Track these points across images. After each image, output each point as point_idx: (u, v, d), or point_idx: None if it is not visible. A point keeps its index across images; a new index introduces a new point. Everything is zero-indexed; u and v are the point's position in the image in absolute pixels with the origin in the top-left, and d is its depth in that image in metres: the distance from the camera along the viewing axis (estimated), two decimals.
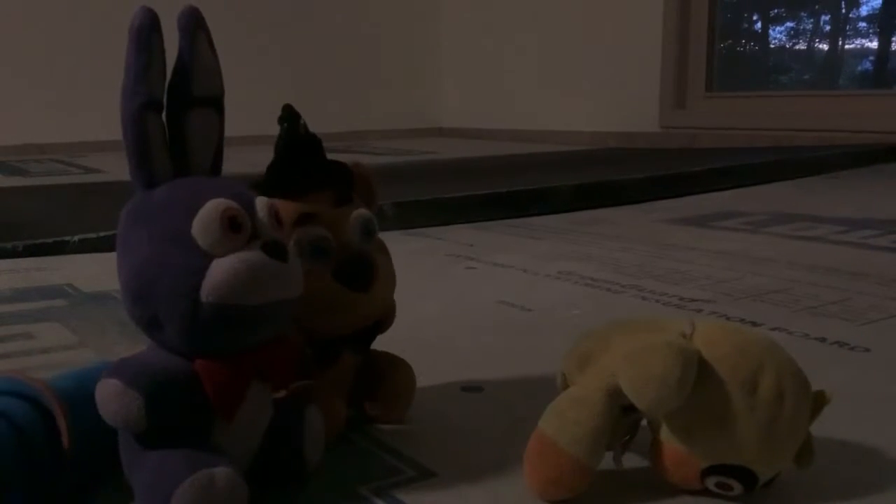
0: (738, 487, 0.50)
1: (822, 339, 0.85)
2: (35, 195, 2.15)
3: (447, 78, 4.27)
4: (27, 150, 3.35)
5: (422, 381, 0.67)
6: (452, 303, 1.06)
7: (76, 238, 1.38)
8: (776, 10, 3.56)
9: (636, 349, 0.50)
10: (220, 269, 0.46)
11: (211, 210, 0.47)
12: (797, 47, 3.54)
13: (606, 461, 0.53)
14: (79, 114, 3.32)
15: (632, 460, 0.55)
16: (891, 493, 0.53)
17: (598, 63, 3.41)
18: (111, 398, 0.46)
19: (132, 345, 0.59)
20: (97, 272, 1.22)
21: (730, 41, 3.52)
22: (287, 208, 0.57)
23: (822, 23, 3.48)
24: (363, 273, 0.59)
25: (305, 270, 0.55)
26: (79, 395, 0.53)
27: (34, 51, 3.37)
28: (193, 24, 0.53)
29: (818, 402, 0.51)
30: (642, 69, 3.25)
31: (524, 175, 2.28)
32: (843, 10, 3.33)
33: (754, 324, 0.91)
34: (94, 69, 2.97)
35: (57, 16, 3.39)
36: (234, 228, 0.47)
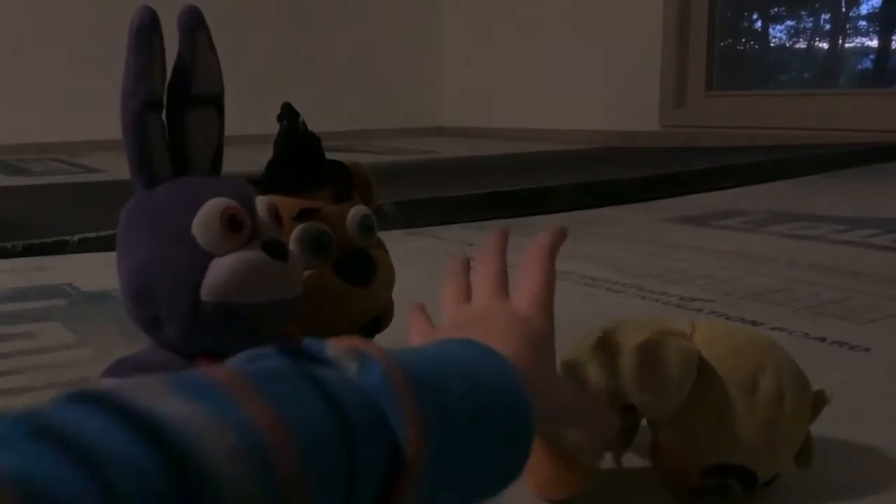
0: (737, 487, 0.50)
1: (822, 339, 0.85)
2: (35, 194, 2.15)
3: (447, 77, 4.27)
4: (27, 149, 3.35)
5: None
6: None
7: (76, 238, 1.38)
8: (776, 9, 3.56)
9: (636, 349, 0.50)
10: (220, 268, 0.46)
11: (211, 209, 0.47)
12: (797, 46, 3.54)
13: (606, 460, 0.53)
14: (79, 113, 3.32)
15: (632, 460, 0.55)
16: (891, 493, 0.53)
17: (598, 62, 3.41)
18: None
19: (132, 344, 0.59)
20: (97, 272, 1.22)
21: (730, 40, 3.52)
22: (287, 204, 0.57)
23: (822, 21, 3.48)
24: (363, 267, 0.59)
25: (306, 265, 0.56)
26: (432, 383, 0.32)
27: (33, 50, 3.36)
28: (193, 24, 0.53)
29: (818, 401, 0.51)
30: (642, 68, 3.25)
31: (524, 174, 2.28)
32: (844, 9, 3.33)
33: (754, 323, 0.91)
34: (95, 68, 2.98)
35: (57, 15, 3.39)
36: (234, 228, 0.47)
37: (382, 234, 0.64)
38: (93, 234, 1.38)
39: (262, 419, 0.24)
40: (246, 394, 0.25)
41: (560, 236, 0.50)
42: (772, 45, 3.61)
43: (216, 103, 0.55)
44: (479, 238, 1.46)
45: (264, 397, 0.25)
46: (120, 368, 0.48)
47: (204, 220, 0.47)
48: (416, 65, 4.27)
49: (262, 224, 0.50)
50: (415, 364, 0.33)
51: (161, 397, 0.23)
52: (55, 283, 1.16)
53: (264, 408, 0.25)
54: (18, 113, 3.33)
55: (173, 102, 0.53)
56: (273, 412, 0.25)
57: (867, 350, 0.82)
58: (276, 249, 0.49)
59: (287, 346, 0.31)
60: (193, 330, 0.47)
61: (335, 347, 0.32)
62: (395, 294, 0.64)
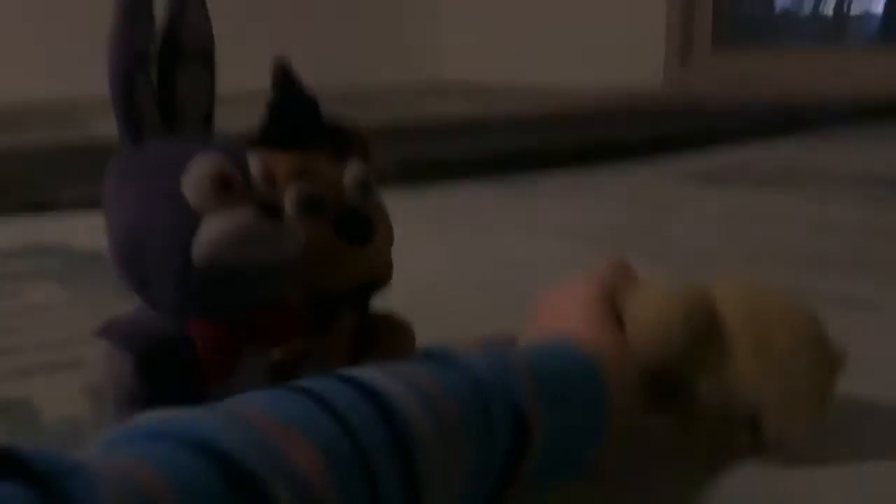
0: (749, 437, 0.50)
1: (830, 297, 0.84)
2: (29, 153, 2.13)
3: (448, 34, 4.22)
4: (21, 107, 3.32)
5: (423, 342, 0.65)
6: (455, 263, 1.05)
7: (70, 195, 1.36)
8: None
9: (644, 300, 0.50)
10: (211, 228, 0.45)
11: (201, 167, 0.46)
12: (803, 11, 3.49)
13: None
14: (76, 70, 3.28)
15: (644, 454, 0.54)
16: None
17: (603, 20, 3.37)
18: (102, 358, 0.45)
19: (125, 304, 0.58)
20: (91, 231, 1.20)
21: None
22: (284, 163, 0.55)
23: None
24: (362, 226, 0.58)
25: (304, 225, 0.54)
26: (555, 383, 0.43)
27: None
28: None
29: (836, 362, 0.50)
30: (647, 27, 3.21)
31: (527, 133, 2.25)
32: None
33: (760, 281, 0.90)
34: (88, 24, 2.94)
35: None
36: (225, 186, 0.46)
37: (384, 194, 0.62)
38: (87, 193, 1.36)
39: (431, 388, 0.37)
40: (425, 378, 0.38)
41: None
42: (778, 2, 3.57)
43: (207, 59, 0.53)
44: (481, 198, 1.44)
45: (434, 377, 0.38)
46: (111, 329, 0.46)
47: (194, 178, 0.45)
48: (417, 22, 4.22)
49: (255, 183, 0.48)
50: (528, 353, 0.44)
51: (378, 376, 0.37)
52: (48, 242, 1.15)
53: (434, 381, 0.38)
54: (11, 70, 3.30)
55: (162, 57, 0.51)
56: (438, 383, 0.38)
57: (877, 308, 0.81)
58: (269, 209, 0.47)
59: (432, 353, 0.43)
60: (184, 292, 0.45)
61: (468, 348, 0.43)
62: (396, 256, 0.62)
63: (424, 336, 0.67)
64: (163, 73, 0.51)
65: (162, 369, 0.46)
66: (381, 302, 0.62)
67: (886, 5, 3.13)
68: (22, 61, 3.34)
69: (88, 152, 1.95)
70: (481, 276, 0.97)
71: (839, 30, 3.36)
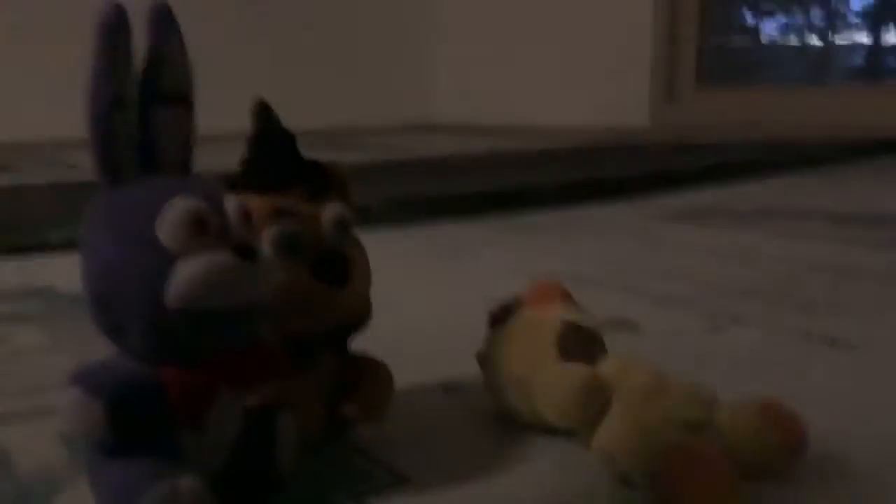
0: None
1: (809, 336, 0.84)
2: (20, 194, 2.13)
3: (439, 73, 4.25)
4: (15, 147, 3.32)
5: (403, 382, 0.65)
6: (438, 301, 1.05)
7: (57, 238, 1.36)
8: (768, 4, 3.55)
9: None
10: (185, 271, 0.45)
11: (176, 210, 0.46)
12: (789, 42, 3.53)
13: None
14: (67, 109, 3.29)
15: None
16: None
17: (589, 58, 3.40)
18: (72, 406, 0.45)
19: (109, 348, 0.58)
20: (78, 273, 1.20)
21: (721, 35, 3.51)
22: (261, 204, 0.56)
23: (813, 17, 3.48)
24: (340, 268, 0.58)
25: (281, 267, 0.54)
26: None
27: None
28: (162, 19, 0.52)
29: None
30: (632, 64, 3.24)
31: (513, 171, 2.27)
32: (835, 5, 3.33)
33: (740, 320, 0.90)
34: (81, 63, 2.95)
35: (49, 12, 3.37)
36: (200, 228, 0.46)
37: (368, 233, 0.62)
38: (75, 235, 1.36)
39: None
40: None
41: None
42: (763, 41, 3.61)
43: (186, 100, 0.54)
44: (466, 236, 1.44)
45: None
46: (83, 375, 0.46)
47: (168, 220, 0.45)
48: (408, 61, 4.26)
49: (232, 224, 0.48)
50: None
51: None
52: (35, 285, 1.15)
53: None
54: (5, 110, 3.31)
55: (142, 100, 0.51)
56: None
57: (854, 348, 0.81)
58: (245, 251, 0.47)
59: None
60: (158, 336, 0.45)
61: None
62: (378, 294, 0.62)
63: (407, 377, 0.66)
64: (142, 114, 0.51)
65: (134, 416, 0.45)
66: (363, 342, 0.62)
67: (871, 43, 3.17)
68: (10, 103, 3.35)
69: (75, 193, 1.95)
70: (464, 315, 0.97)
71: (824, 67, 3.40)
